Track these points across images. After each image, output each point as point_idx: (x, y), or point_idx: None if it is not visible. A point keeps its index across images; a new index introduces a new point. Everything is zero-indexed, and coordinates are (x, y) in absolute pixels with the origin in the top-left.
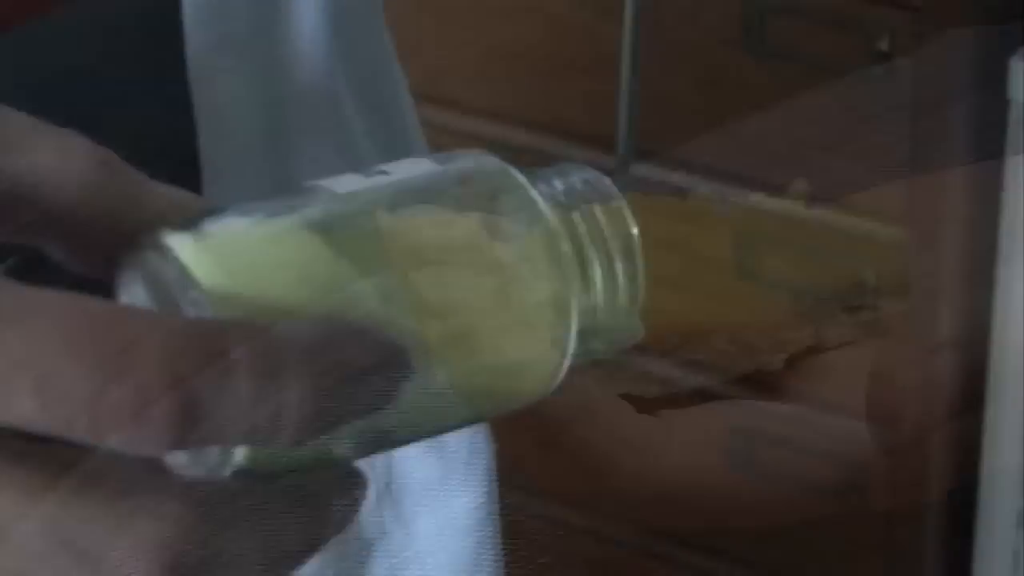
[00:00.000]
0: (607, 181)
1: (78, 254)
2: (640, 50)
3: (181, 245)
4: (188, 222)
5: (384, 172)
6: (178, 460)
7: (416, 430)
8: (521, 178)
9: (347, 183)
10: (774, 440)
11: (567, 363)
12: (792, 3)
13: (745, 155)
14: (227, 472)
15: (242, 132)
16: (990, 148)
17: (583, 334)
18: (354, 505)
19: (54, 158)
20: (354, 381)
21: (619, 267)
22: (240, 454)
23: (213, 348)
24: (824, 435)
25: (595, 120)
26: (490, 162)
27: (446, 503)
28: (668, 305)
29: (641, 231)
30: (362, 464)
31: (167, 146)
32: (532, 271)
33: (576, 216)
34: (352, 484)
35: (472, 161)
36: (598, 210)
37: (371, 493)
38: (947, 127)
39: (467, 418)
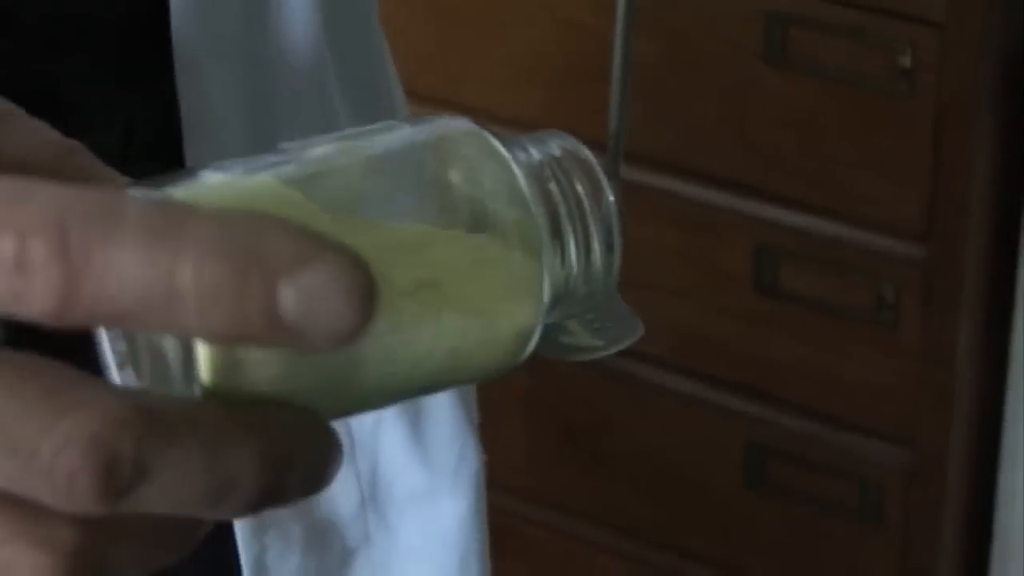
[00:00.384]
0: (586, 151)
1: None
2: (631, 58)
3: (161, 197)
4: (166, 179)
5: (361, 134)
6: (130, 379)
7: (385, 391)
8: (496, 143)
9: (324, 143)
10: (789, 456)
11: (539, 329)
12: (814, 18)
13: (765, 167)
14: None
15: (228, 132)
16: (1012, 165)
17: (557, 302)
18: (323, 464)
19: (29, 138)
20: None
21: (594, 236)
22: (201, 371)
23: (106, 208)
24: (840, 452)
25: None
26: (466, 126)
27: (432, 512)
28: (686, 317)
29: (658, 243)
30: (339, 432)
31: (152, 146)
32: (504, 237)
33: (552, 184)
34: (323, 440)
35: (448, 125)
36: (575, 178)
37: (354, 496)
38: (969, 144)
39: (439, 380)
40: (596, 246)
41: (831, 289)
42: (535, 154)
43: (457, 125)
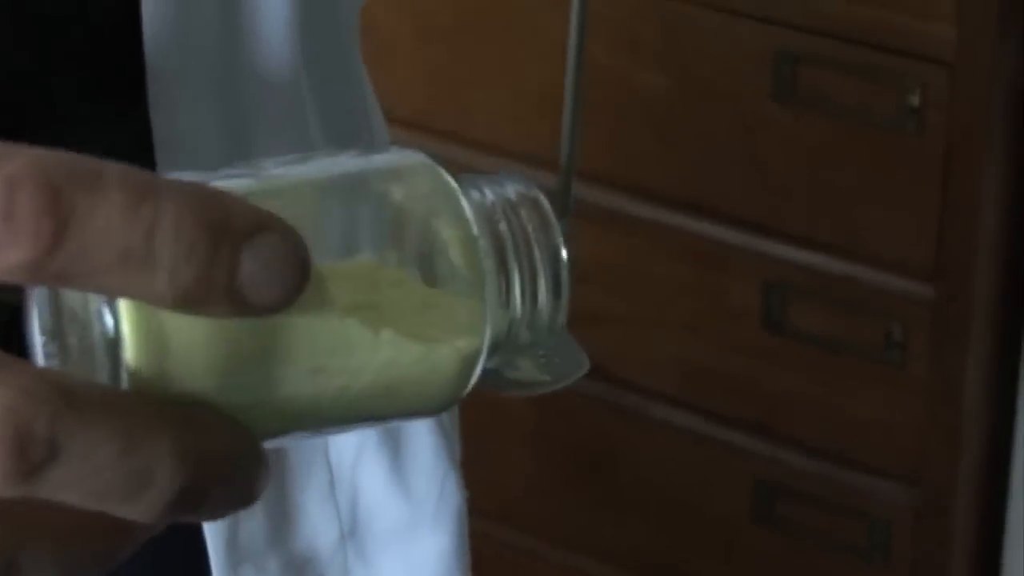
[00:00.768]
0: (539, 194)
1: None
2: (583, 91)
3: None
4: None
5: (317, 157)
6: (54, 366)
7: (319, 407)
8: (449, 179)
9: (283, 164)
10: (796, 493)
11: (478, 371)
12: (825, 55)
13: (775, 204)
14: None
15: (202, 154)
16: (1022, 203)
17: (499, 346)
18: (249, 477)
19: None
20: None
21: (542, 282)
22: (128, 358)
23: (91, 167)
24: (848, 491)
25: (621, 163)
26: (420, 159)
27: (413, 547)
28: (694, 353)
29: (668, 278)
30: (317, 464)
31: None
32: (450, 272)
33: (502, 224)
34: (249, 452)
35: (403, 156)
36: (526, 221)
37: (333, 530)
38: (978, 182)
39: (373, 405)
40: (543, 289)
41: (839, 326)
42: (488, 194)
43: (412, 157)
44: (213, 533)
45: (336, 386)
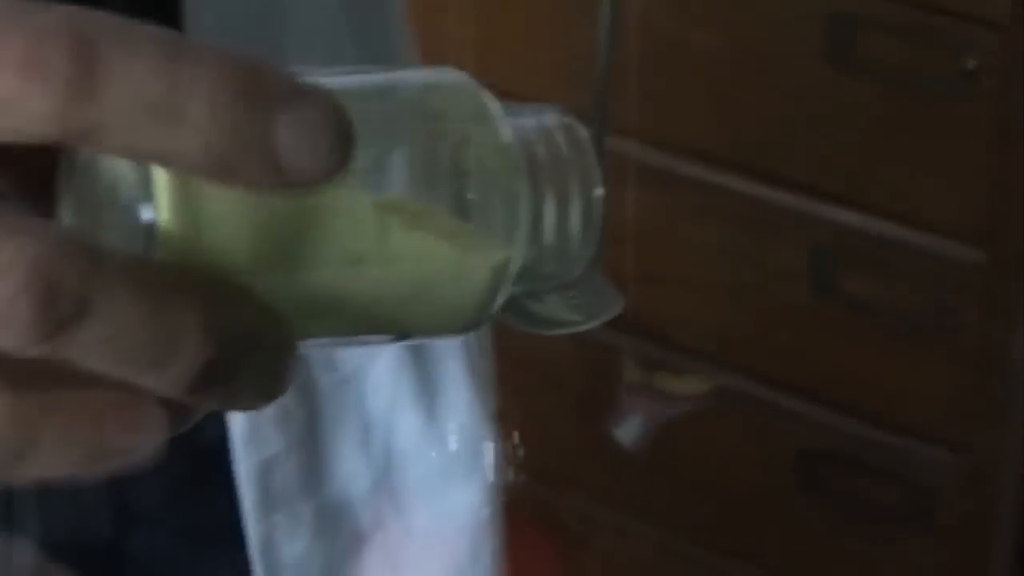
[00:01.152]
0: (579, 127)
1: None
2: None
3: None
4: None
5: (361, 71)
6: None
7: (351, 300)
8: (489, 98)
9: (327, 75)
10: (840, 459)
11: (502, 295)
12: (878, 18)
13: (825, 168)
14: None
15: None
16: None
17: (528, 272)
18: (276, 362)
19: None
20: None
21: (575, 209)
22: (161, 227)
23: (123, 23)
24: (894, 457)
25: (671, 124)
26: (462, 78)
27: (445, 499)
28: (740, 316)
29: (715, 240)
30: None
31: None
32: (484, 187)
33: (539, 148)
34: (278, 334)
35: (445, 74)
36: (563, 148)
37: (366, 478)
38: None
39: (401, 319)
40: (575, 215)
41: (888, 292)
42: (528, 119)
43: (455, 75)
44: (246, 479)
45: (369, 278)
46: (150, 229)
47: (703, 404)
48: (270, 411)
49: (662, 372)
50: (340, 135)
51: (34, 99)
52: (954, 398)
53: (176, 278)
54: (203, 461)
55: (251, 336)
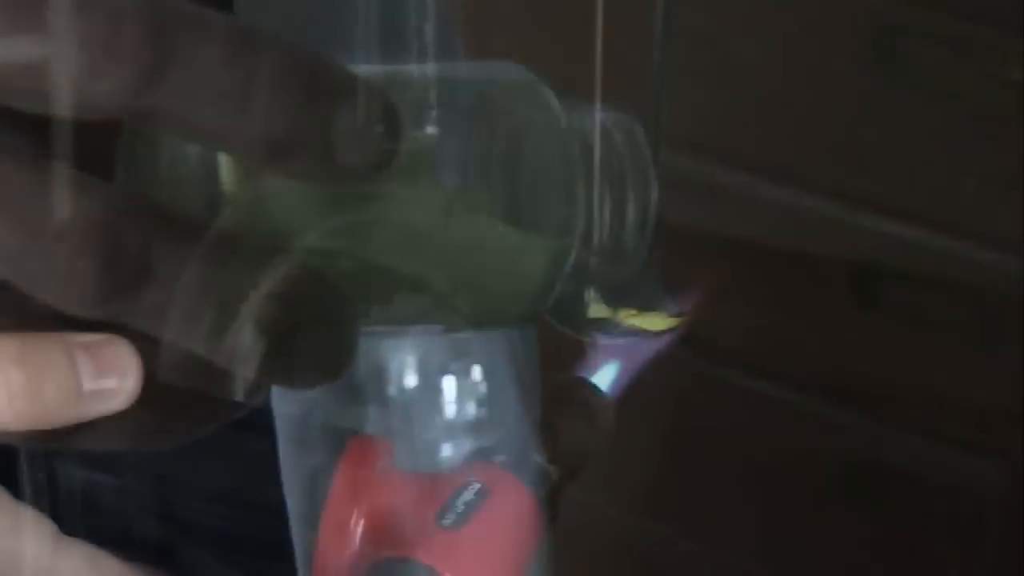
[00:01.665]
0: (638, 127)
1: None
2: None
3: None
4: None
5: (422, 65)
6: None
7: (407, 305)
8: (551, 98)
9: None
10: (885, 469)
11: (558, 285)
12: (925, 29)
13: (869, 177)
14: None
15: None
16: None
17: (578, 271)
18: (339, 338)
19: None
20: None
21: (630, 208)
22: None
23: (193, 10)
24: (940, 468)
25: (712, 130)
26: (524, 75)
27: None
28: (784, 324)
29: (758, 248)
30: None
31: None
32: (542, 187)
33: (596, 147)
34: (341, 311)
35: (506, 71)
36: (621, 149)
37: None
38: None
39: (450, 312)
40: (630, 215)
41: (932, 301)
42: (587, 117)
43: (515, 71)
44: (292, 490)
45: (427, 261)
46: (212, 201)
47: (671, 342)
48: (317, 419)
49: (626, 309)
50: (390, 130)
51: (108, 77)
52: (999, 409)
53: (238, 248)
54: (251, 470)
55: (310, 309)
